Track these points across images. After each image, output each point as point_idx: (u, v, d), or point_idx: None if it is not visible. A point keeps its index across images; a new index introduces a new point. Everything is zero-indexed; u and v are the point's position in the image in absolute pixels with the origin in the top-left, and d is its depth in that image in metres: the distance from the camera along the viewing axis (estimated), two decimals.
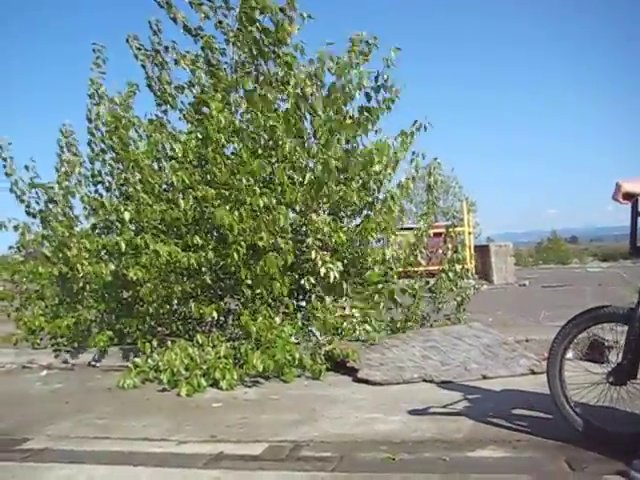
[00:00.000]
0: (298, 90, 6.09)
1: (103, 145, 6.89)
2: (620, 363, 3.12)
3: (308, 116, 6.20)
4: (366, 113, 6.23)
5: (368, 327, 5.77)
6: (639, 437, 3.03)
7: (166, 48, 6.49)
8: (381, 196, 6.53)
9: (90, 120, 6.95)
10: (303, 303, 6.06)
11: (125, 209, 5.85)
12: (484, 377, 4.82)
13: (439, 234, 7.65)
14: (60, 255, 6.41)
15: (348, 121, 6.14)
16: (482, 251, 17.88)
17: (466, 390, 4.44)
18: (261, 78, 6.31)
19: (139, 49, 6.57)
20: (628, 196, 2.93)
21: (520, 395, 4.23)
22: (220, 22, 6.38)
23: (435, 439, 3.42)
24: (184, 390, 4.86)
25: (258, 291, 5.62)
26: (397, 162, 6.44)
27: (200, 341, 5.48)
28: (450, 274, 6.92)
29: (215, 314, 5.62)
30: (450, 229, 7.30)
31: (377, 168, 6.21)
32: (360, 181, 6.30)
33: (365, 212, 6.47)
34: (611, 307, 3.24)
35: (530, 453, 3.12)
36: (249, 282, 5.54)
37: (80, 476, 3.16)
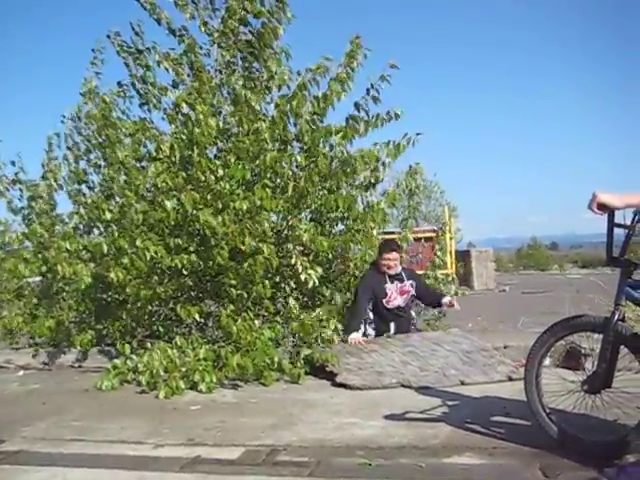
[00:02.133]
0: (284, 98, 6.09)
1: (88, 144, 6.85)
2: (595, 372, 3.16)
3: (292, 120, 6.19)
4: (352, 121, 6.22)
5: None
6: (613, 445, 3.07)
7: (148, 49, 6.43)
8: (365, 204, 6.53)
9: (79, 118, 6.91)
10: (282, 307, 6.04)
11: (107, 209, 5.82)
12: (462, 383, 4.85)
13: (420, 239, 7.69)
14: (39, 256, 6.36)
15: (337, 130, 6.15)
16: (463, 256, 18.01)
17: (444, 396, 4.46)
18: (246, 81, 6.29)
19: (121, 46, 6.50)
20: (603, 207, 2.98)
21: (497, 402, 4.25)
22: (205, 23, 6.36)
23: (412, 445, 3.43)
24: (163, 392, 4.84)
25: (240, 292, 5.60)
26: (378, 177, 6.42)
27: (180, 343, 5.46)
28: (430, 279, 6.96)
29: (197, 316, 5.60)
30: (431, 234, 7.35)
31: (361, 176, 6.23)
32: (344, 188, 6.30)
33: (347, 222, 6.45)
34: (587, 316, 3.29)
35: (506, 460, 3.14)
36: (234, 282, 5.50)
37: (55, 479, 3.14)
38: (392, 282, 6.19)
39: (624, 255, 3.14)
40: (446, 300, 6.25)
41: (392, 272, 6.19)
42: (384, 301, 6.11)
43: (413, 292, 6.27)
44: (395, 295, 6.17)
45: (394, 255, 6.20)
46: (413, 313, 6.50)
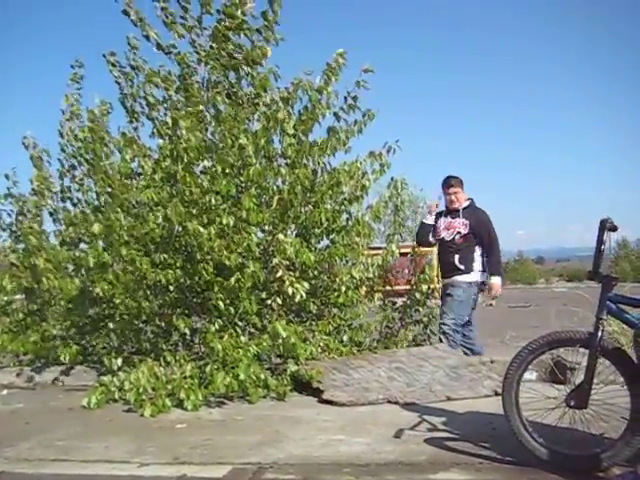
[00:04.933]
0: (269, 111, 6.11)
1: (73, 161, 6.84)
2: (581, 386, 3.16)
3: (277, 136, 6.22)
4: (333, 132, 6.27)
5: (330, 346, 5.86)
6: (597, 459, 3.08)
7: (139, 67, 6.44)
8: (350, 218, 6.55)
9: (62, 135, 6.90)
10: (269, 323, 6.02)
11: (95, 221, 5.80)
12: (448, 398, 4.85)
13: (406, 254, 7.69)
14: (27, 265, 6.31)
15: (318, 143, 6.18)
16: None
17: (430, 412, 4.46)
18: (233, 97, 6.31)
19: (114, 65, 6.52)
20: None
21: (483, 417, 4.27)
22: (194, 41, 6.37)
23: (398, 462, 3.43)
24: (148, 410, 4.79)
25: (226, 308, 5.58)
26: (365, 186, 6.43)
27: (168, 359, 5.44)
28: (417, 294, 6.95)
29: (187, 330, 5.61)
30: (417, 249, 7.35)
31: (345, 189, 6.25)
32: (328, 202, 6.32)
33: (333, 235, 6.47)
34: (569, 331, 3.31)
35: (492, 476, 3.16)
36: (220, 296, 5.49)
37: None
38: (446, 216, 6.54)
39: (598, 270, 3.18)
40: (490, 283, 6.33)
41: (455, 207, 6.46)
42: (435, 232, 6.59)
43: (461, 230, 6.36)
44: (442, 228, 6.51)
45: (452, 189, 6.46)
46: (462, 262, 6.33)
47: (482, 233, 6.37)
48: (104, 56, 6.52)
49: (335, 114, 6.27)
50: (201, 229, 5.30)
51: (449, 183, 6.49)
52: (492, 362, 5.83)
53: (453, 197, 6.45)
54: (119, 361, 5.61)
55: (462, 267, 6.32)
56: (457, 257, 6.33)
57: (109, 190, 6.01)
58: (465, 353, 6.09)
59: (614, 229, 3.18)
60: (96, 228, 5.72)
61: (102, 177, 6.04)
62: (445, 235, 6.44)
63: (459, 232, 6.36)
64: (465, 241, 6.35)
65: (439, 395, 4.91)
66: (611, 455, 3.05)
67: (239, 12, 6.01)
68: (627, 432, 3.03)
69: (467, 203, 6.50)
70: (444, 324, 6.24)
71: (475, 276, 6.34)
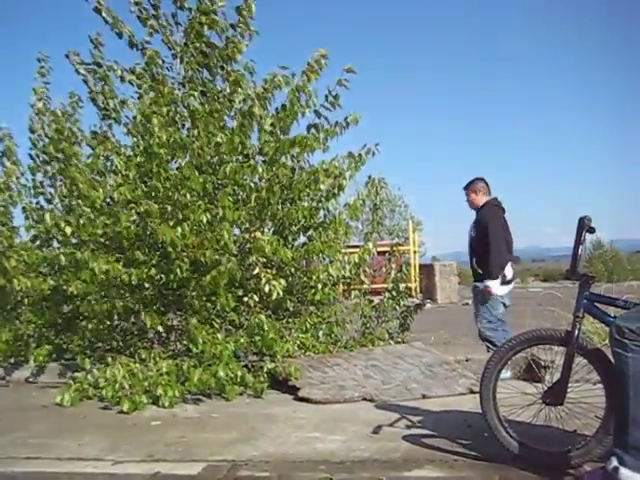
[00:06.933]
0: (245, 107, 6.09)
1: (45, 156, 6.75)
2: (557, 383, 3.19)
3: (254, 133, 6.20)
4: (314, 130, 6.27)
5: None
6: (570, 456, 3.11)
7: (110, 67, 6.42)
8: (328, 215, 6.55)
9: (32, 130, 6.81)
10: (246, 320, 6.01)
11: (66, 223, 5.73)
12: (424, 396, 4.87)
13: (383, 252, 7.72)
14: None
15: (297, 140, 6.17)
16: (427, 270, 18.14)
17: (406, 410, 4.47)
18: (208, 94, 6.29)
19: (80, 64, 6.48)
20: None
21: (458, 415, 4.29)
22: (167, 38, 6.34)
23: (373, 459, 3.43)
24: (126, 407, 4.74)
25: (203, 304, 5.57)
26: (342, 185, 6.44)
27: (143, 356, 5.41)
28: (394, 293, 6.98)
29: (160, 328, 5.57)
30: (394, 248, 7.38)
31: (323, 187, 6.24)
32: (306, 200, 6.32)
33: (310, 232, 6.47)
34: (548, 329, 3.33)
35: (466, 472, 3.17)
36: (196, 294, 5.47)
37: None
38: None
39: (576, 268, 3.21)
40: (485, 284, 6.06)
41: (472, 208, 6.36)
42: None
43: (472, 233, 6.31)
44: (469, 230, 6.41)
45: (466, 192, 6.38)
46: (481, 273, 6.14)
47: (479, 238, 6.15)
48: (67, 57, 6.49)
49: (316, 111, 6.26)
50: (169, 233, 5.26)
51: (464, 187, 6.42)
52: (467, 360, 5.87)
53: (466, 201, 6.40)
54: (92, 359, 5.57)
55: (480, 271, 6.14)
56: (475, 260, 6.21)
57: (79, 190, 5.92)
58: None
59: (592, 231, 3.20)
60: (68, 230, 5.66)
61: (71, 177, 5.94)
62: (469, 236, 6.39)
63: (471, 235, 6.32)
64: (478, 244, 6.13)
65: (414, 393, 4.93)
66: (583, 452, 3.08)
67: (213, 7, 6.02)
68: (600, 430, 3.06)
69: (482, 203, 6.29)
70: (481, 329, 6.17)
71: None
